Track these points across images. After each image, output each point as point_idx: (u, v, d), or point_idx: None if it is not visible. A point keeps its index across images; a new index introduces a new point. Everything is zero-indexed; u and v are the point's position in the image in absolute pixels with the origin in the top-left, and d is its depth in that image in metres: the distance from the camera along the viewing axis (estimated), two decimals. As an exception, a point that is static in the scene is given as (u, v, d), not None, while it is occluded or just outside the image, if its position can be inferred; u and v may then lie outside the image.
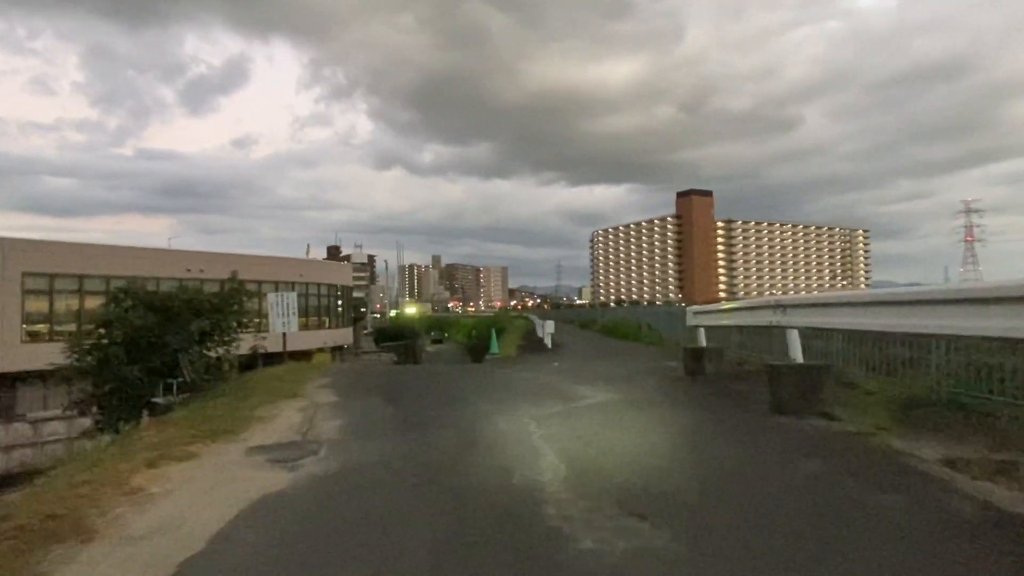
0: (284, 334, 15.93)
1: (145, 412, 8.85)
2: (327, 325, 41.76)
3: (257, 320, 17.68)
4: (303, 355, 39.88)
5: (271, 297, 15.79)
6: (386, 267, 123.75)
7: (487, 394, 8.24)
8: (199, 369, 11.86)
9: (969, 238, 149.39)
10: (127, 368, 11.45)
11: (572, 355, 16.69)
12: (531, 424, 5.72)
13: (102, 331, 12.22)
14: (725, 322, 9.62)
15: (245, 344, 14.76)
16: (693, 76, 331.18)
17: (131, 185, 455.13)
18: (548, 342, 19.55)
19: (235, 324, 13.91)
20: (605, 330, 27.34)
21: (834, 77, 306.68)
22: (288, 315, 15.59)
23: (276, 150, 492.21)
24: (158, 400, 10.53)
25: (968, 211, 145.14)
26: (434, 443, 5.20)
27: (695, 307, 10.74)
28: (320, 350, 42.64)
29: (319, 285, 39.96)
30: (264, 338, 15.53)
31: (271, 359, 15.23)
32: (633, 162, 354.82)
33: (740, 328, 10.38)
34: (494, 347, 19.22)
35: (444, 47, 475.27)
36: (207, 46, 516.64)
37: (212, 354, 13.14)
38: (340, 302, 44.75)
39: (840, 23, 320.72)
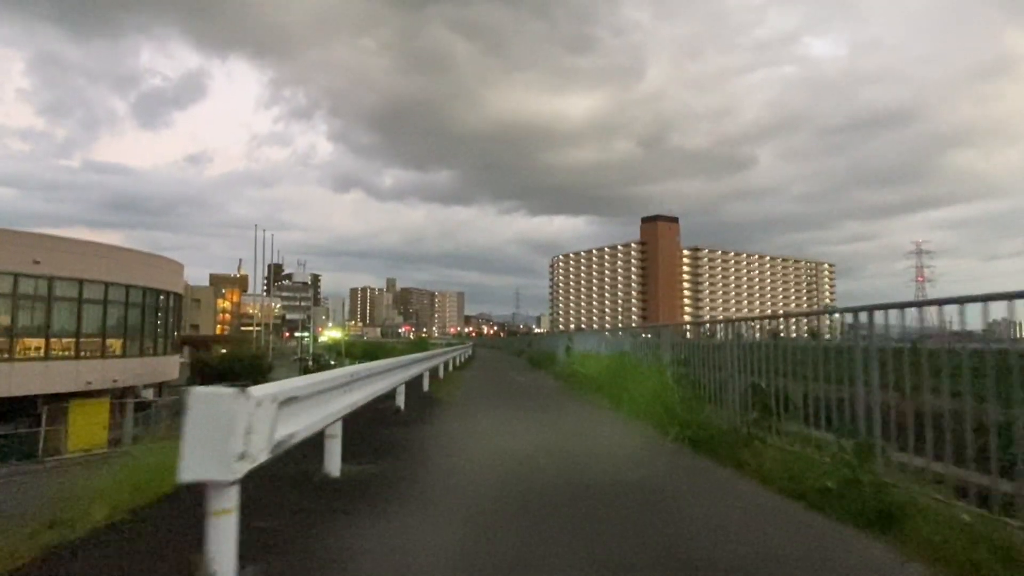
0: None
1: None
2: (114, 352, 25.06)
3: None
4: (48, 403, 21.95)
5: None
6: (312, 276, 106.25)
7: None
8: None
9: (920, 278, 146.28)
10: None
11: None
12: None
13: None
14: None
15: None
16: (652, 113, 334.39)
17: (77, 198, 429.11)
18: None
19: None
20: (582, 380, 11.90)
21: (787, 120, 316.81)
22: None
23: (232, 168, 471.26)
24: None
25: (919, 252, 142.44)
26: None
27: None
28: (85, 394, 25.69)
29: (83, 282, 23.30)
30: None
31: None
32: (592, 195, 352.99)
33: None
34: None
35: (407, 72, 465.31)
36: (163, 59, 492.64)
37: None
38: (155, 316, 28.04)
39: (794, 68, 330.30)
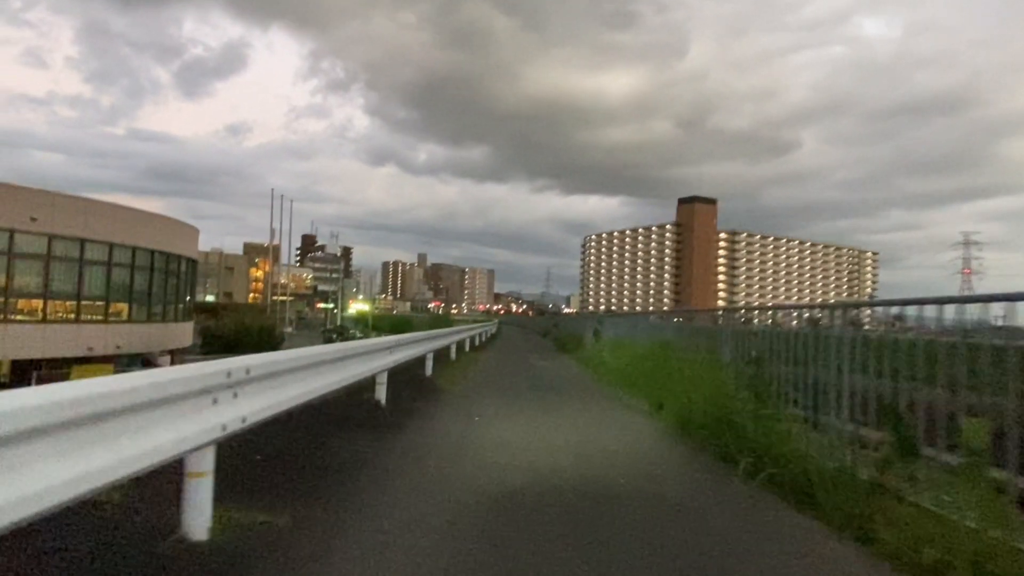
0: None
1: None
2: (120, 316, 23.98)
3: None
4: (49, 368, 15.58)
5: None
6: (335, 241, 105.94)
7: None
8: None
9: (967, 271, 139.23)
10: None
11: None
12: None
13: None
14: None
15: None
16: (693, 93, 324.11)
17: (121, 165, 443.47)
18: None
19: None
20: (612, 372, 9.94)
21: (833, 103, 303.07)
22: None
23: (270, 139, 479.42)
24: None
25: (967, 243, 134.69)
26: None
27: None
28: (88, 359, 24.51)
29: (85, 242, 22.09)
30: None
31: None
32: (628, 175, 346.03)
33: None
34: None
35: (444, 46, 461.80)
36: (205, 28, 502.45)
37: None
38: (165, 281, 26.88)
39: (843, 49, 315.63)
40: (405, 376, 10.11)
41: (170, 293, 27.24)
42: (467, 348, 18.66)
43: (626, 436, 6.15)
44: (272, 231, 56.85)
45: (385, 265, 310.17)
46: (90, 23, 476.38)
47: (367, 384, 6.84)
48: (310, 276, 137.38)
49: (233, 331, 24.75)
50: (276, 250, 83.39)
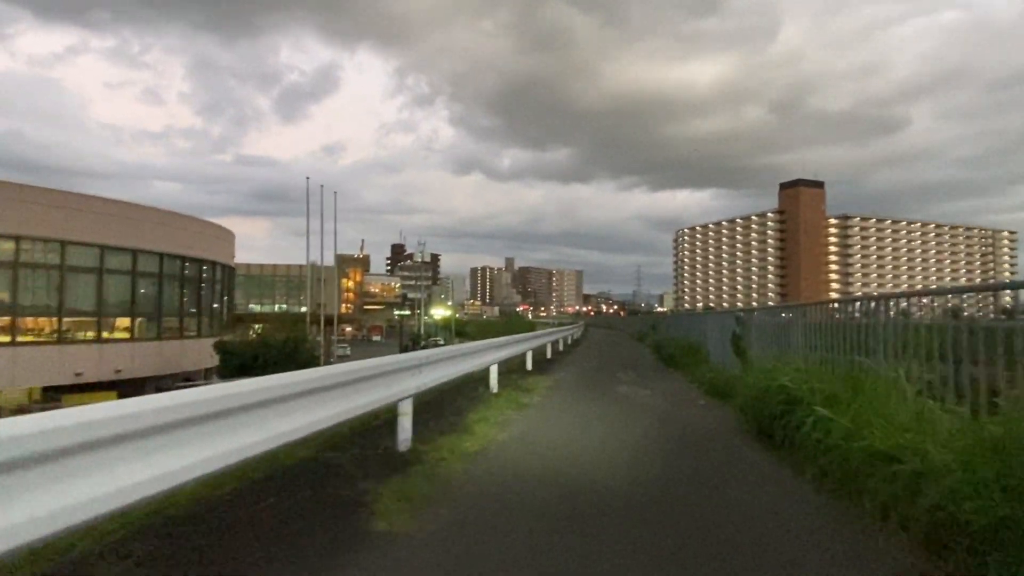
0: None
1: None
2: (120, 334, 20.02)
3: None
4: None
5: None
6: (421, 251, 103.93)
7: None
8: None
9: None
10: None
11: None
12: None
13: None
14: None
15: None
16: (787, 75, 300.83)
17: (230, 189, 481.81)
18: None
19: None
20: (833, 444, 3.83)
21: (947, 75, 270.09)
22: None
23: (363, 156, 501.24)
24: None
25: None
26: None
27: None
28: (90, 386, 19.72)
29: (66, 245, 18.14)
30: None
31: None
32: (719, 167, 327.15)
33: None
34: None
35: (524, 51, 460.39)
36: (299, 55, 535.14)
37: None
38: (181, 290, 22.86)
39: (957, 15, 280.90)
40: (358, 452, 4.39)
41: (191, 304, 23.20)
42: (529, 366, 12.83)
43: None
44: (363, 241, 53.74)
45: (473, 271, 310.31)
46: (199, 59, 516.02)
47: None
48: (399, 284, 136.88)
49: (252, 348, 20.36)
50: (366, 260, 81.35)
